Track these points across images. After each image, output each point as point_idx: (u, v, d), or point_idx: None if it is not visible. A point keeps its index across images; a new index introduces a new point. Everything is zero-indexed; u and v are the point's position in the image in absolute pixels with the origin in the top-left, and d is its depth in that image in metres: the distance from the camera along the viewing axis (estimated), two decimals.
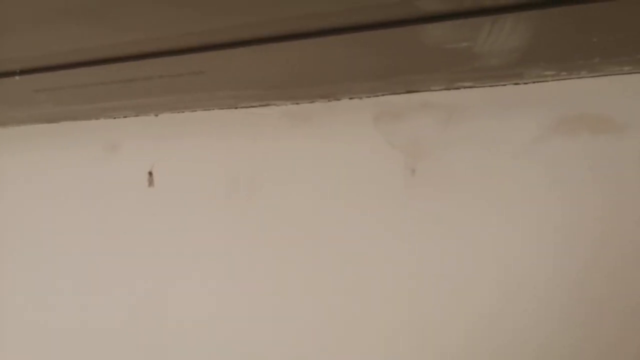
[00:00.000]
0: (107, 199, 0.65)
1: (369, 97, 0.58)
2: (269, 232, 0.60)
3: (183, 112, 0.66)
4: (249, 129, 0.62)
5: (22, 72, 0.56)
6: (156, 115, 0.67)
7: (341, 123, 0.58)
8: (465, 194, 0.53)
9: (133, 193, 0.62)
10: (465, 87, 0.54)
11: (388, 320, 0.55)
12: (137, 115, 0.68)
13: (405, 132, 0.56)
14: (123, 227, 0.64)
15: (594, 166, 0.49)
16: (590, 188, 0.49)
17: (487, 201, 0.52)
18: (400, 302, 0.55)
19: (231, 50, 0.50)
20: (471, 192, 0.53)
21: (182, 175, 0.63)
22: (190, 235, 0.63)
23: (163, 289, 0.63)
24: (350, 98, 0.59)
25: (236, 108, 0.64)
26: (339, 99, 0.59)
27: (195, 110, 0.65)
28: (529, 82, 0.52)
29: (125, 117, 0.69)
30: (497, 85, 0.53)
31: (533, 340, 0.50)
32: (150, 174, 0.60)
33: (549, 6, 0.40)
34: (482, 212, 0.52)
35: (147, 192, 0.61)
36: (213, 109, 0.64)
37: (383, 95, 0.57)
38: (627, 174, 0.48)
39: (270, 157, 0.61)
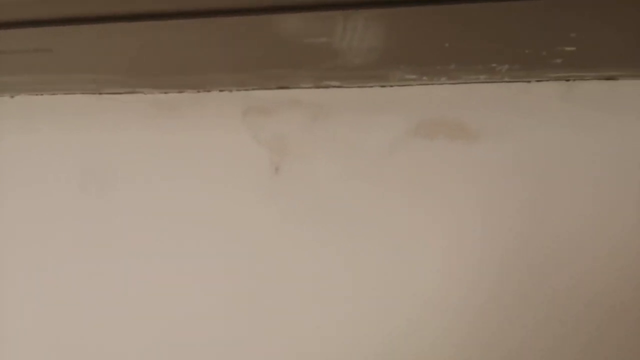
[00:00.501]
0: None
1: (240, 90, 0.56)
2: (125, 226, 0.56)
3: (42, 94, 0.60)
4: (111, 116, 0.58)
5: None
6: (12, 97, 0.61)
7: (210, 115, 0.56)
8: (326, 193, 0.52)
9: None
10: (333, 87, 0.53)
11: (248, 317, 0.53)
12: None
13: (272, 128, 0.54)
14: None
15: (447, 170, 0.50)
16: (441, 191, 0.49)
17: (348, 201, 0.51)
18: (261, 300, 0.53)
19: (78, 27, 0.46)
20: (332, 191, 0.52)
21: (29, 164, 0.58)
22: (30, 228, 0.57)
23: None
24: (221, 90, 0.56)
25: (100, 94, 0.59)
26: (209, 91, 0.57)
27: (55, 94, 0.60)
28: (394, 85, 0.52)
29: None
30: (364, 87, 0.53)
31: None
32: None
33: (397, 5, 0.40)
34: (342, 212, 0.51)
35: None
36: (75, 94, 0.59)
37: (254, 89, 0.55)
38: (476, 180, 0.49)
39: (133, 148, 0.57)
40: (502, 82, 0.50)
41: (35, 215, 0.58)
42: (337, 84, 0.53)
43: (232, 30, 0.44)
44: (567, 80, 0.49)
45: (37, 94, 0.61)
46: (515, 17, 0.40)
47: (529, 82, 0.50)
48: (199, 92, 0.57)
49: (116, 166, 0.57)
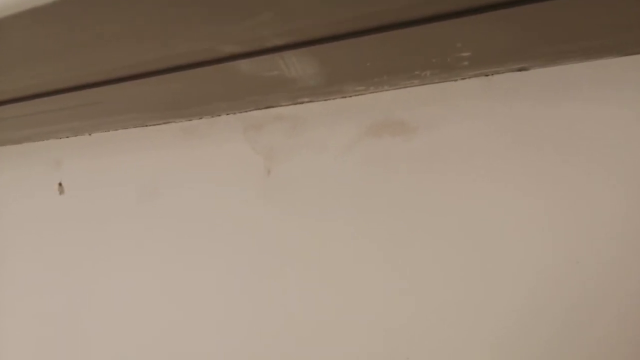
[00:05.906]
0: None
1: (240, 112, 0.72)
2: (171, 231, 0.75)
3: (108, 131, 0.82)
4: (154, 142, 0.77)
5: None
6: (90, 135, 0.84)
7: (221, 134, 0.73)
8: (304, 190, 0.66)
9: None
10: (305, 102, 0.67)
11: (256, 318, 0.68)
12: (75, 135, 0.85)
13: (264, 140, 0.69)
14: (36, 233, 0.81)
15: (391, 163, 0.61)
16: (388, 183, 0.61)
17: (315, 197, 0.65)
18: (268, 298, 0.69)
19: (119, 85, 0.64)
20: (307, 188, 0.66)
21: (99, 182, 0.79)
22: (103, 238, 0.78)
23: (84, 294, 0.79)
24: (227, 114, 0.73)
25: (146, 126, 0.79)
26: (219, 115, 0.74)
27: (117, 130, 0.81)
28: (350, 96, 0.65)
29: (67, 137, 0.86)
30: (328, 99, 0.66)
31: None
32: (60, 184, 0.77)
33: (316, 43, 0.53)
34: (312, 206, 0.65)
35: (60, 199, 0.78)
36: (129, 128, 0.80)
37: (249, 111, 0.71)
38: (416, 169, 0.60)
39: (170, 166, 0.76)
40: (433, 83, 0.61)
41: (98, 223, 0.79)
42: (308, 99, 0.67)
43: (211, 76, 0.60)
44: (486, 75, 0.58)
45: (105, 131, 0.82)
46: (409, 38, 0.51)
47: (455, 80, 0.60)
48: (212, 117, 0.74)
49: (159, 180, 0.76)
